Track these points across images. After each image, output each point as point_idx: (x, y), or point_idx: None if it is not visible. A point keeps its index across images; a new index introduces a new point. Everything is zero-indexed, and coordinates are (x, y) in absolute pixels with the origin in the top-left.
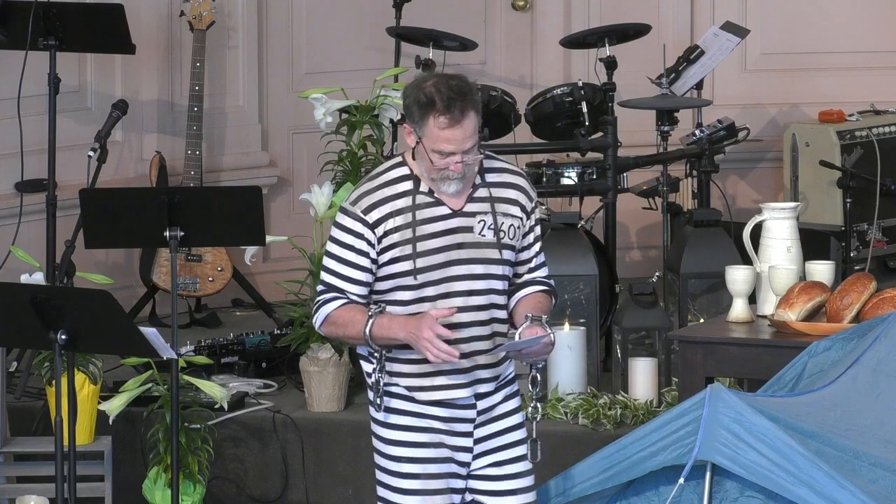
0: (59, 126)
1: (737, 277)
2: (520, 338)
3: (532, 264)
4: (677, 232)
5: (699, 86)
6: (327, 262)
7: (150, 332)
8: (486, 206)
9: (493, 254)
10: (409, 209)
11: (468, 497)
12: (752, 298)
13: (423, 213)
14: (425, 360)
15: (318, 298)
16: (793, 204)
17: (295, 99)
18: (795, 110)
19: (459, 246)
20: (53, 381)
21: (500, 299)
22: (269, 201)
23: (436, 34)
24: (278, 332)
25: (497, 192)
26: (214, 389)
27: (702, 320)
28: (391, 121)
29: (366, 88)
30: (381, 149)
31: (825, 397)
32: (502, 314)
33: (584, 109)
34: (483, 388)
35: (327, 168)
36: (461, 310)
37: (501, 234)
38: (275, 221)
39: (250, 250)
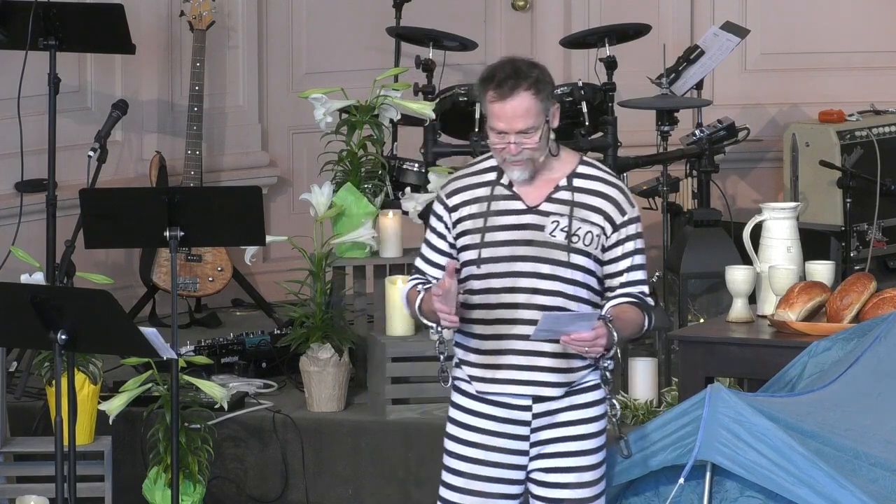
0: (59, 126)
1: (737, 277)
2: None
3: (623, 279)
4: (677, 232)
5: (699, 86)
6: (421, 246)
7: (150, 332)
8: (563, 209)
9: (561, 256)
10: (486, 198)
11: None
12: (752, 298)
13: (497, 205)
14: (488, 352)
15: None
16: (793, 204)
17: (295, 99)
18: (795, 110)
19: (528, 243)
20: (53, 381)
21: (574, 305)
22: (269, 201)
23: (436, 34)
24: (278, 332)
25: (580, 197)
26: (214, 389)
27: (702, 320)
28: (391, 121)
29: (366, 88)
30: (381, 149)
31: (825, 397)
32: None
33: (584, 109)
34: (545, 392)
35: (327, 168)
36: (523, 307)
37: (574, 239)
38: (275, 221)
39: (250, 250)
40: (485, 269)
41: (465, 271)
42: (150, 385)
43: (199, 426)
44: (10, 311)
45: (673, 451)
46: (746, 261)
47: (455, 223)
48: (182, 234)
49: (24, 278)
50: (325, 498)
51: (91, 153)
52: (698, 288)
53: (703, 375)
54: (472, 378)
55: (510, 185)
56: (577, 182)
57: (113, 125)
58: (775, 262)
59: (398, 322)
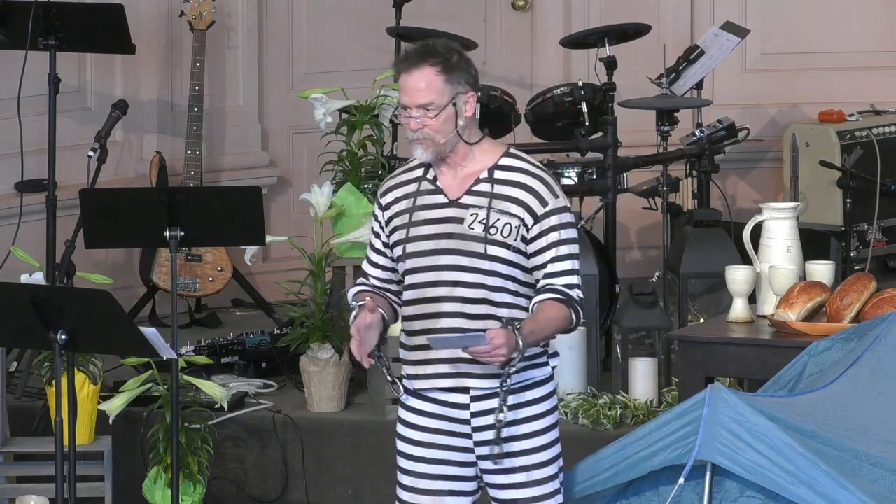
0: (59, 126)
1: (737, 277)
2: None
3: (547, 270)
4: (677, 232)
5: (699, 86)
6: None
7: (150, 332)
8: (483, 201)
9: (479, 248)
10: (413, 194)
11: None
12: (752, 298)
13: (422, 199)
14: (418, 347)
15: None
16: (793, 204)
17: (295, 99)
18: (795, 110)
19: (449, 236)
20: (53, 381)
21: (498, 297)
22: (269, 201)
23: (436, 34)
24: (278, 332)
25: (500, 189)
26: (214, 389)
27: (702, 320)
28: (391, 121)
29: (366, 88)
30: (380, 149)
31: (825, 397)
32: (502, 312)
33: (584, 109)
34: (474, 383)
35: (327, 168)
36: (445, 300)
37: (493, 231)
38: (275, 221)
39: (250, 250)
40: (410, 263)
41: (399, 266)
42: (150, 385)
43: (199, 426)
44: (10, 311)
45: (673, 451)
46: (746, 261)
47: (388, 221)
48: (182, 234)
49: (24, 278)
50: (325, 498)
51: (91, 153)
52: (698, 288)
53: (703, 375)
54: (408, 375)
55: (434, 180)
56: (498, 174)
57: (113, 125)
58: (775, 262)
59: (398, 322)
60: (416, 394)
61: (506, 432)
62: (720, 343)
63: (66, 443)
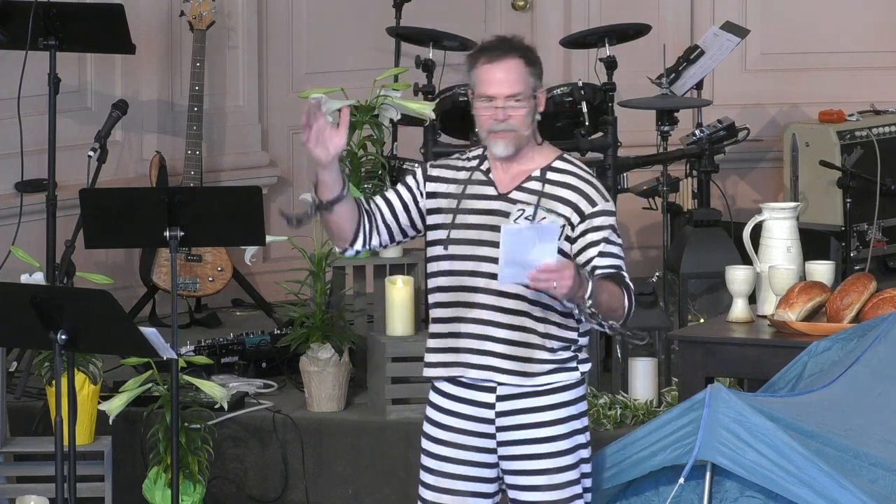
0: (59, 126)
1: (737, 277)
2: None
3: (596, 263)
4: (677, 232)
5: (699, 86)
6: None
7: (150, 332)
8: (531, 198)
9: None
10: (463, 181)
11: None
12: (752, 298)
13: (472, 189)
14: (447, 334)
15: None
16: (793, 204)
17: (295, 99)
18: (795, 110)
19: (493, 228)
20: (53, 381)
21: (532, 293)
22: (269, 201)
23: (436, 34)
24: (278, 332)
25: (551, 189)
26: (214, 389)
27: (702, 320)
28: (391, 121)
29: (366, 88)
30: (381, 149)
31: (825, 397)
32: (536, 310)
33: (584, 109)
34: (500, 378)
35: None
36: (481, 291)
37: None
38: (275, 221)
39: (250, 250)
40: (452, 250)
41: (432, 251)
42: (150, 385)
43: (199, 426)
44: (10, 311)
45: (673, 451)
46: (746, 261)
47: (428, 193)
48: (182, 234)
49: (24, 278)
50: (325, 498)
51: (91, 153)
52: (698, 288)
53: (703, 375)
54: (434, 363)
55: (487, 172)
56: (550, 175)
57: (113, 125)
58: (775, 262)
59: (398, 322)
60: (444, 392)
61: (530, 434)
62: (720, 343)
63: (66, 443)
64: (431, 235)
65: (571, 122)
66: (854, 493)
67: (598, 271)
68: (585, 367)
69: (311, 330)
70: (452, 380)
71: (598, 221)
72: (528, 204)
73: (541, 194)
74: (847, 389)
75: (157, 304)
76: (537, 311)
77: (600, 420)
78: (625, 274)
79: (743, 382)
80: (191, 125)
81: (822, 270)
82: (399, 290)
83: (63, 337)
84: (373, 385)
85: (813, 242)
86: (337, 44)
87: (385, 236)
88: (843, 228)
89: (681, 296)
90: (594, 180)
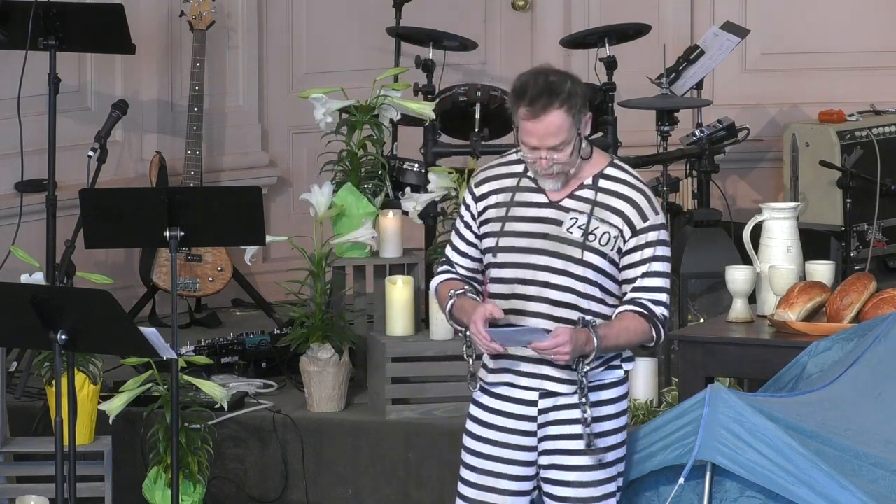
0: (59, 126)
1: (737, 277)
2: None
3: (636, 284)
4: (677, 232)
5: (699, 86)
6: (451, 234)
7: (150, 332)
8: (584, 206)
9: (575, 252)
10: (511, 189)
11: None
12: (752, 298)
13: (521, 196)
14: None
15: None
16: (793, 204)
17: (295, 99)
18: (795, 110)
19: (545, 236)
20: (53, 381)
21: (584, 303)
22: (269, 201)
23: (436, 34)
24: (278, 332)
25: (603, 198)
26: (214, 389)
27: (702, 320)
28: (391, 121)
29: (366, 88)
30: (380, 149)
31: (825, 397)
32: (596, 321)
33: None
34: (552, 387)
35: (327, 168)
36: (533, 299)
37: (591, 238)
38: (275, 221)
39: (250, 250)
40: (501, 258)
41: (486, 258)
42: (150, 385)
43: (199, 426)
44: (10, 311)
45: (673, 451)
46: (746, 261)
47: (481, 212)
48: (182, 234)
49: (24, 278)
50: (325, 498)
51: (91, 153)
52: (698, 288)
53: (703, 375)
54: (489, 370)
55: (536, 179)
56: (602, 183)
57: (113, 125)
58: (775, 262)
59: (398, 322)
60: (489, 392)
61: (567, 428)
62: (720, 343)
63: (66, 443)
64: (484, 243)
65: None
66: (854, 493)
67: (633, 296)
68: (629, 366)
69: (311, 330)
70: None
71: (649, 237)
72: (581, 213)
73: (594, 203)
74: (847, 389)
75: (157, 304)
76: (588, 320)
77: None
78: (661, 300)
79: (743, 382)
80: (191, 125)
81: (822, 270)
82: (399, 290)
83: (63, 337)
84: (373, 385)
85: (813, 242)
86: (337, 44)
87: (481, 277)
88: (843, 228)
89: (681, 296)
90: (647, 190)
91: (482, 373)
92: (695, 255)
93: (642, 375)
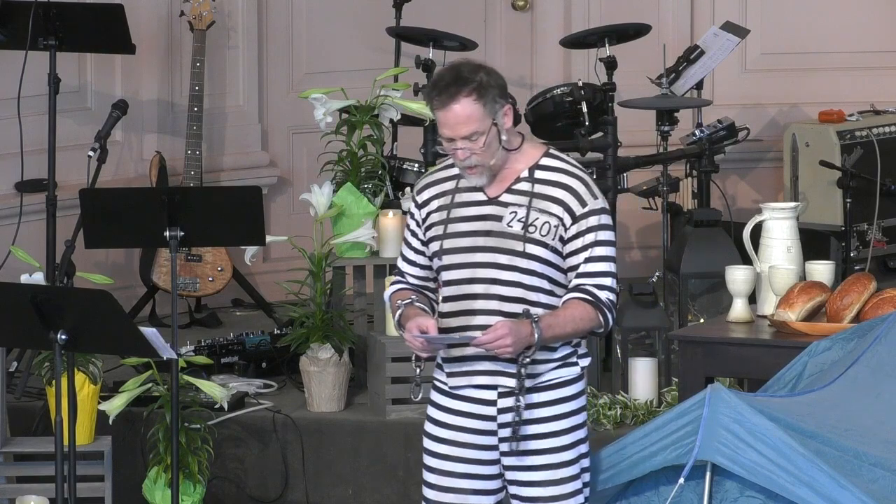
0: (59, 126)
1: (737, 277)
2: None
3: (580, 270)
4: (677, 232)
5: (699, 86)
6: (401, 245)
7: (150, 332)
8: (523, 199)
9: (517, 246)
10: (451, 192)
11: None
12: (752, 298)
13: (460, 197)
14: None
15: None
16: (793, 204)
17: (295, 99)
18: (795, 110)
19: (487, 234)
20: (53, 381)
21: (534, 295)
22: (269, 201)
23: (436, 34)
24: (278, 332)
25: (540, 188)
26: (214, 389)
27: (702, 320)
28: (391, 121)
29: (366, 88)
30: (381, 149)
31: (825, 397)
32: (538, 312)
33: (584, 109)
34: (509, 382)
35: (327, 168)
36: (482, 297)
37: (531, 229)
38: (275, 221)
39: (250, 250)
40: (447, 260)
41: (434, 263)
42: (150, 385)
43: (199, 426)
44: (10, 311)
45: (673, 451)
46: (746, 261)
47: (424, 219)
48: (182, 234)
49: (24, 278)
50: (325, 498)
51: (91, 153)
52: (698, 288)
53: (703, 375)
54: (447, 373)
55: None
56: (538, 174)
57: (113, 125)
58: (775, 262)
59: None
60: (446, 392)
61: (531, 430)
62: (720, 343)
63: (66, 443)
64: (431, 248)
65: (571, 122)
66: (854, 493)
67: (577, 282)
68: (585, 362)
69: (311, 330)
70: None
71: (589, 222)
72: (520, 206)
73: (531, 195)
74: (847, 389)
75: (157, 304)
76: (539, 313)
77: (600, 420)
78: (606, 284)
79: (743, 382)
80: (191, 125)
81: (822, 270)
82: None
83: (63, 337)
84: (373, 385)
85: (813, 242)
86: (337, 44)
87: (433, 285)
88: (843, 228)
89: (681, 296)
90: (584, 175)
91: (437, 373)
92: (695, 255)
93: (642, 375)
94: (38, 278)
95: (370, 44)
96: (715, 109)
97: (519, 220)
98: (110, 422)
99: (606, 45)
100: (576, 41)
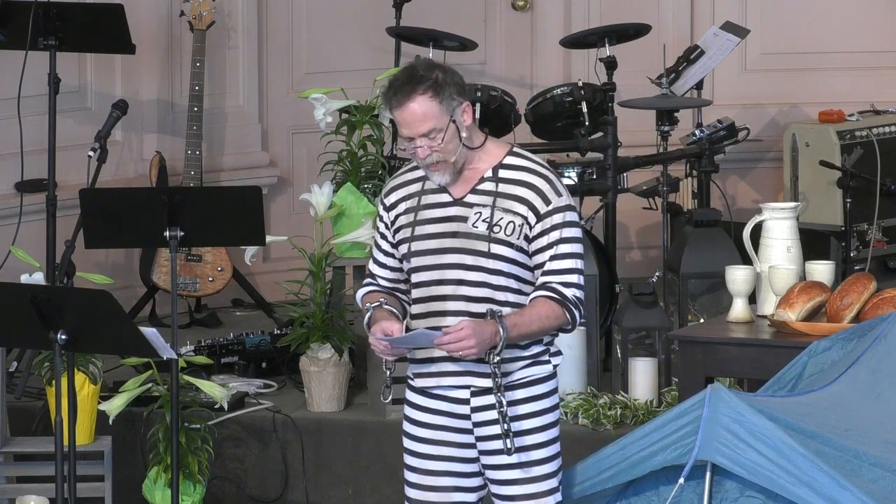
0: (59, 126)
1: (737, 277)
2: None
3: (546, 268)
4: (677, 232)
5: (699, 86)
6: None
7: (150, 332)
8: (487, 199)
9: (482, 246)
10: (417, 194)
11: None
12: (752, 298)
13: (427, 199)
14: (420, 347)
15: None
16: (793, 204)
17: (295, 99)
18: (795, 110)
19: (454, 235)
20: (53, 381)
21: (501, 295)
22: (269, 201)
23: (436, 34)
24: (278, 332)
25: (504, 188)
26: (214, 389)
27: (702, 320)
28: (391, 121)
29: (366, 88)
30: (380, 149)
31: (825, 397)
32: (505, 311)
33: (584, 109)
34: (479, 382)
35: (327, 168)
36: (450, 298)
37: (496, 229)
38: (275, 221)
39: (250, 250)
40: (415, 262)
41: (403, 265)
42: (150, 385)
43: (199, 426)
44: (10, 311)
45: (673, 451)
46: (746, 261)
47: (393, 221)
48: (182, 234)
49: (24, 278)
50: (325, 498)
51: (91, 153)
52: (698, 288)
53: (703, 375)
54: (415, 374)
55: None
56: (502, 173)
57: (113, 125)
58: (775, 262)
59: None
60: (421, 391)
61: (500, 443)
62: (720, 343)
63: (66, 443)
64: (400, 251)
65: (571, 122)
66: (854, 493)
67: (543, 280)
68: (557, 360)
69: (311, 330)
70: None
71: (553, 220)
72: (484, 206)
73: (496, 195)
74: (847, 389)
75: (157, 304)
76: (507, 311)
77: (600, 420)
78: (573, 282)
79: (743, 382)
80: (191, 125)
81: (822, 270)
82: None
83: (63, 337)
84: (373, 385)
85: (813, 242)
86: (337, 44)
87: (404, 286)
88: (843, 228)
89: (681, 296)
90: (548, 173)
91: (410, 371)
92: (695, 255)
93: (642, 375)
94: (38, 278)
95: (370, 44)
96: (715, 109)
97: (483, 221)
98: (110, 422)
99: (606, 45)
100: (576, 41)
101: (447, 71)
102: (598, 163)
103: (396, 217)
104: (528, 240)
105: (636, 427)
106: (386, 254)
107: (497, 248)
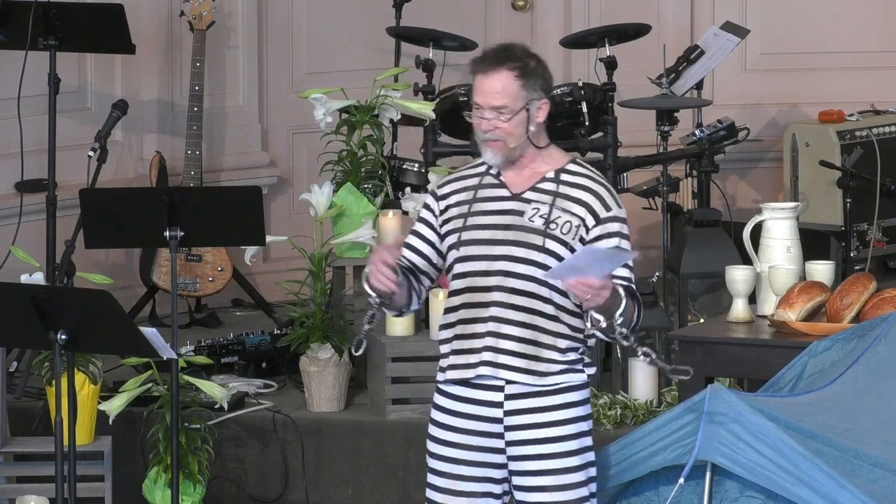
0: (59, 126)
1: (737, 277)
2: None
3: None
4: (677, 232)
5: (699, 86)
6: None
7: (150, 332)
8: (546, 198)
9: (537, 240)
10: (474, 188)
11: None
12: (752, 298)
13: (483, 192)
14: (463, 336)
15: None
16: (793, 204)
17: (295, 99)
18: (795, 110)
19: (507, 227)
20: (53, 381)
21: (545, 291)
22: (269, 201)
23: (436, 34)
24: (278, 332)
25: (565, 190)
26: (214, 389)
27: (702, 320)
28: (391, 121)
29: (366, 88)
30: (380, 149)
31: (825, 397)
32: (548, 309)
33: (584, 109)
34: (511, 376)
35: (327, 168)
36: (494, 289)
37: (552, 226)
38: (275, 221)
39: (250, 250)
40: (463, 251)
41: (449, 257)
42: (150, 385)
43: (199, 426)
44: (10, 311)
45: (673, 451)
46: (746, 261)
47: (443, 210)
48: (182, 234)
49: (24, 278)
50: (325, 498)
51: (91, 153)
52: (698, 288)
53: (703, 375)
54: (448, 367)
55: (498, 175)
56: (564, 177)
57: (113, 125)
58: (775, 262)
59: (398, 322)
60: (450, 394)
61: (538, 434)
62: (720, 343)
63: (66, 443)
64: (447, 241)
65: (571, 122)
66: (854, 493)
67: (613, 281)
68: (591, 370)
69: (311, 330)
70: (461, 381)
71: (612, 227)
72: (543, 203)
73: (556, 194)
74: (847, 389)
75: (157, 304)
76: (549, 310)
77: (600, 420)
78: (634, 285)
79: (743, 382)
80: (191, 125)
81: (822, 270)
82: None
83: (63, 337)
84: (373, 385)
85: (813, 242)
86: (337, 44)
87: (427, 281)
88: (843, 228)
89: (681, 296)
90: (609, 185)
91: (440, 374)
92: (695, 255)
93: (642, 375)
94: (38, 278)
95: (370, 44)
96: (715, 109)
97: (541, 217)
98: (110, 422)
99: (606, 45)
100: (576, 41)
101: (541, 63)
102: (598, 163)
103: (447, 207)
104: (584, 242)
105: (636, 427)
106: (421, 237)
107: (551, 244)
